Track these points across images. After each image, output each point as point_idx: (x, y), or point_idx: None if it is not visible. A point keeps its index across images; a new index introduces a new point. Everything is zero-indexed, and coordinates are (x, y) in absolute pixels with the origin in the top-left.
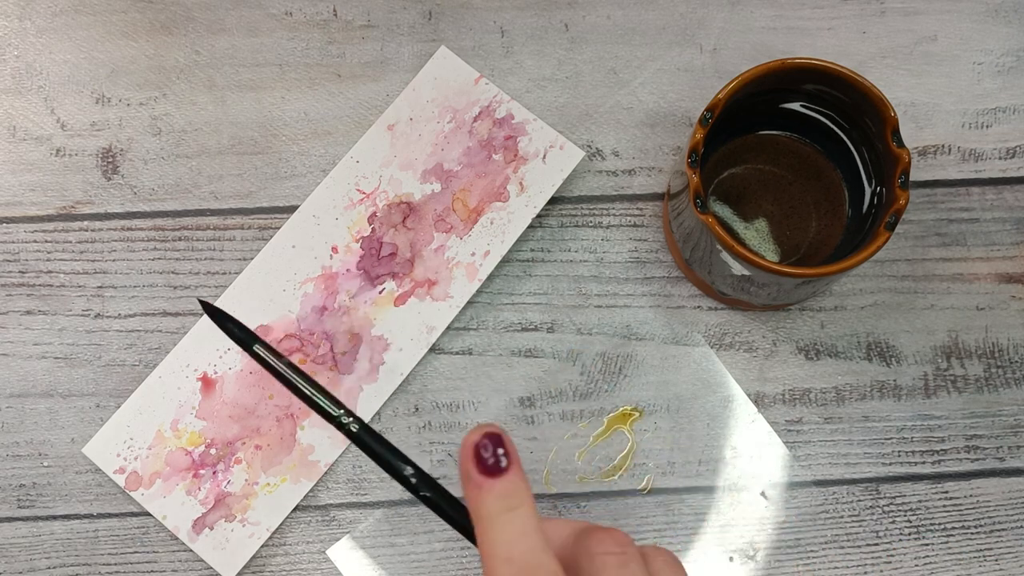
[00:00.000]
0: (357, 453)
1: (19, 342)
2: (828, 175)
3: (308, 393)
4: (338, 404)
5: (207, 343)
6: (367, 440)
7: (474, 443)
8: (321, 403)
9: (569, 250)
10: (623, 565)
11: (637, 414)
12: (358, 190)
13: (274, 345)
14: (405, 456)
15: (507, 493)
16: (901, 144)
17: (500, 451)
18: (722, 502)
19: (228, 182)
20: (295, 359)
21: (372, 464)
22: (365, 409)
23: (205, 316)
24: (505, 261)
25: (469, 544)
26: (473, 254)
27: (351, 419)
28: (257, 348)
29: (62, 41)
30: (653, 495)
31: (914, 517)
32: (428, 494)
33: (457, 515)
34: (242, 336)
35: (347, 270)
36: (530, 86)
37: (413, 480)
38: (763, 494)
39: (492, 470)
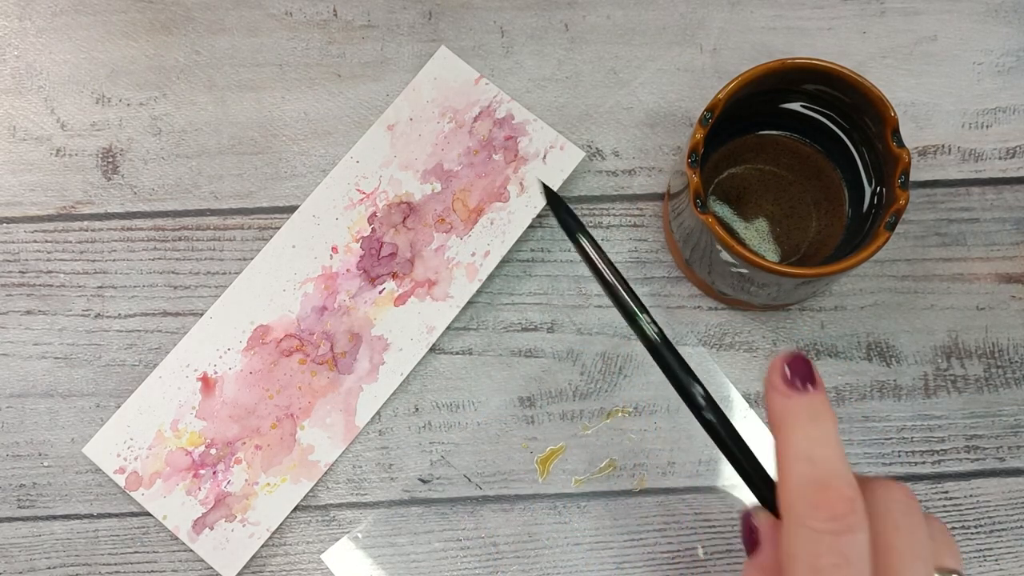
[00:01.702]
0: (356, 453)
1: (19, 342)
2: (828, 175)
3: (620, 293)
4: (643, 308)
5: (207, 343)
6: (663, 352)
7: (783, 360)
8: (628, 304)
9: (569, 250)
10: (908, 514)
11: (624, 414)
12: (358, 190)
13: (274, 345)
14: (696, 376)
15: (813, 405)
16: (901, 144)
17: (809, 374)
18: (721, 502)
19: (228, 182)
20: (295, 359)
21: (372, 464)
22: (365, 409)
23: (205, 316)
24: (505, 261)
25: (469, 544)
26: (473, 254)
27: (654, 327)
28: (579, 237)
29: (62, 41)
30: (653, 495)
31: None
32: (711, 419)
33: (736, 447)
34: (570, 223)
35: (347, 270)
36: (530, 86)
37: (701, 402)
38: None
39: (799, 386)
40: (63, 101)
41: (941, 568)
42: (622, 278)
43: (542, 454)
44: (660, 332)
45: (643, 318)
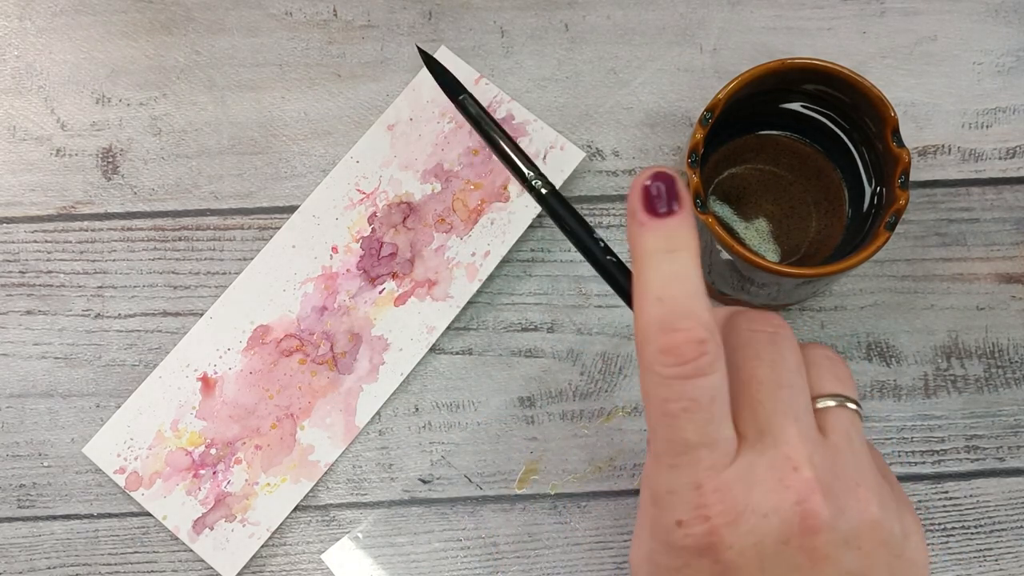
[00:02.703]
0: (356, 453)
1: (19, 342)
2: (828, 175)
3: (505, 150)
4: (533, 166)
5: (207, 343)
6: (554, 205)
7: (643, 183)
8: (516, 163)
9: (569, 250)
10: (772, 343)
11: (624, 414)
12: (358, 190)
13: (274, 345)
14: (589, 225)
15: (670, 235)
16: (901, 144)
17: (671, 194)
18: None
19: (228, 182)
20: (295, 359)
21: (372, 464)
22: (365, 409)
23: (205, 316)
24: (505, 261)
25: (469, 544)
26: (473, 254)
27: (542, 183)
28: (464, 99)
29: (62, 41)
30: None
31: None
32: (609, 261)
33: (629, 286)
34: (451, 84)
35: (347, 270)
36: (530, 86)
37: (601, 244)
38: None
39: (658, 211)
40: (63, 101)
41: (822, 395)
42: (509, 138)
43: (520, 473)
44: (550, 186)
45: (532, 177)
